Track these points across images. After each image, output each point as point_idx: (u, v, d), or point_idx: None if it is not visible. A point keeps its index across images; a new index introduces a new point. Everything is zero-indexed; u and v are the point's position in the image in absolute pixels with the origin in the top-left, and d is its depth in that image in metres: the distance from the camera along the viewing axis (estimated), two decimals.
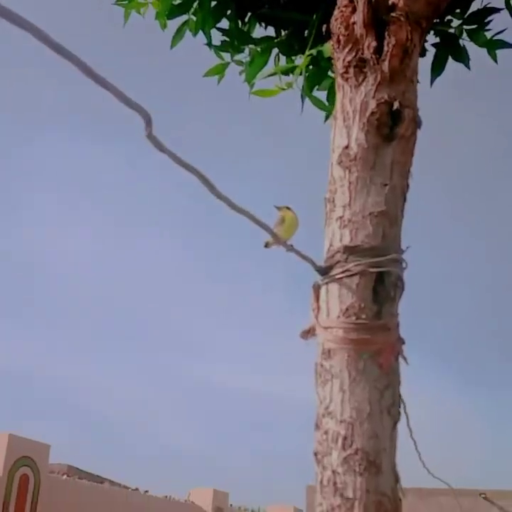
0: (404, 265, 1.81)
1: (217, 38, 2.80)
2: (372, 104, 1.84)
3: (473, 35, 2.53)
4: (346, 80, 1.90)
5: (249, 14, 2.73)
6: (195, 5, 2.68)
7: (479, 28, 2.53)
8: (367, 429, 1.63)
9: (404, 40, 1.86)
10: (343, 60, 1.90)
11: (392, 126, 1.85)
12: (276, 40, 2.63)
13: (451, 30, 2.54)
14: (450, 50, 2.51)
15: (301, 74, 2.32)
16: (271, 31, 2.73)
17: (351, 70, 1.88)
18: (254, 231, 1.66)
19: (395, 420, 1.70)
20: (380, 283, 1.76)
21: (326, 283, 1.80)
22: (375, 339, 1.72)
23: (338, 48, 1.91)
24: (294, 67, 2.34)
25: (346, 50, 1.89)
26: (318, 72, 2.48)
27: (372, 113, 1.83)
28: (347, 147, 1.85)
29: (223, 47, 2.76)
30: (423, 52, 2.47)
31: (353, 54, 1.88)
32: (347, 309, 1.75)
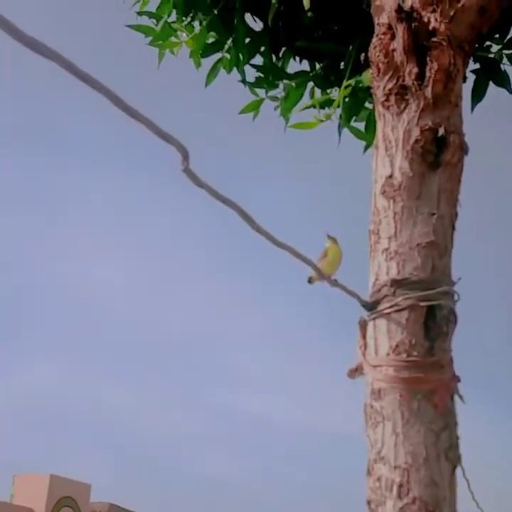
0: (456, 298, 1.71)
1: (251, 74, 2.78)
2: (416, 132, 1.77)
3: None
4: (387, 108, 1.83)
5: (283, 49, 2.71)
6: (229, 42, 2.67)
7: None
8: (424, 475, 1.52)
9: (447, 64, 1.79)
10: (384, 88, 1.84)
11: (438, 154, 1.78)
12: (311, 74, 2.60)
13: (491, 55, 2.48)
14: (490, 75, 2.44)
15: (339, 106, 2.27)
16: (306, 65, 2.70)
17: (392, 98, 1.82)
18: (296, 265, 1.59)
19: (453, 465, 1.58)
20: (431, 317, 1.67)
21: (373, 318, 1.71)
22: (428, 377, 1.61)
23: (378, 76, 1.86)
24: (331, 100, 2.29)
25: (386, 77, 1.83)
26: (356, 103, 2.43)
27: (417, 140, 1.76)
28: (390, 176, 1.78)
29: (258, 83, 2.73)
30: (463, 79, 2.41)
31: (394, 81, 1.82)
32: (397, 346, 1.65)
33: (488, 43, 2.55)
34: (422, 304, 1.66)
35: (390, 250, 1.73)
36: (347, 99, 2.52)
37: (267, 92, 2.68)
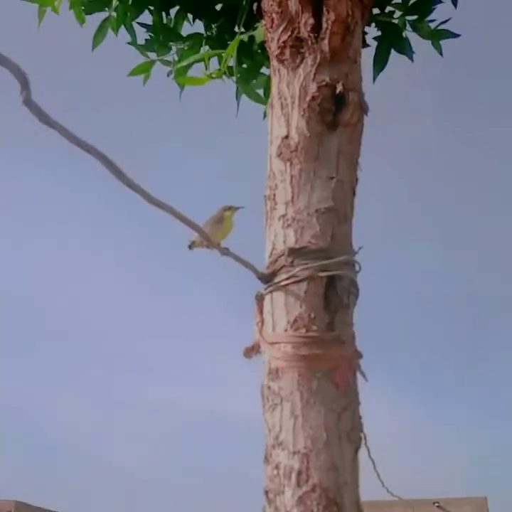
0: (357, 268, 1.59)
1: (142, 36, 2.56)
2: (313, 88, 1.63)
3: (416, 26, 2.36)
4: (282, 62, 1.68)
5: (176, 9, 2.50)
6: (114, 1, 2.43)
7: (422, 18, 2.36)
8: (324, 460, 1.39)
9: (345, 15, 1.66)
10: (278, 40, 1.68)
11: (336, 113, 1.64)
12: (205, 35, 2.41)
13: (394, 21, 2.37)
14: (392, 41, 2.33)
15: (227, 64, 2.09)
16: (200, 27, 2.51)
17: (287, 51, 1.67)
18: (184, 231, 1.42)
19: (356, 447, 1.47)
20: (331, 289, 1.54)
21: (270, 292, 1.56)
22: (328, 354, 1.49)
23: (272, 27, 1.70)
24: (222, 55, 2.11)
25: (281, 29, 1.68)
26: (253, 67, 2.27)
27: (313, 97, 1.62)
28: (287, 137, 1.63)
29: (148, 45, 2.51)
30: (364, 43, 2.29)
31: (289, 33, 1.67)
32: (295, 321, 1.51)
33: (390, 8, 2.45)
34: (321, 274, 1.53)
35: (286, 217, 1.59)
36: (244, 65, 2.35)
37: (158, 55, 2.47)
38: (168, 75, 2.55)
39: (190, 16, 2.46)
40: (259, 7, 1.75)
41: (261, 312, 1.59)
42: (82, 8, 2.37)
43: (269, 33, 1.71)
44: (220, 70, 2.13)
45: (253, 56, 2.30)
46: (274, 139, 1.66)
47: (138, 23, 2.43)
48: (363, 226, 1.67)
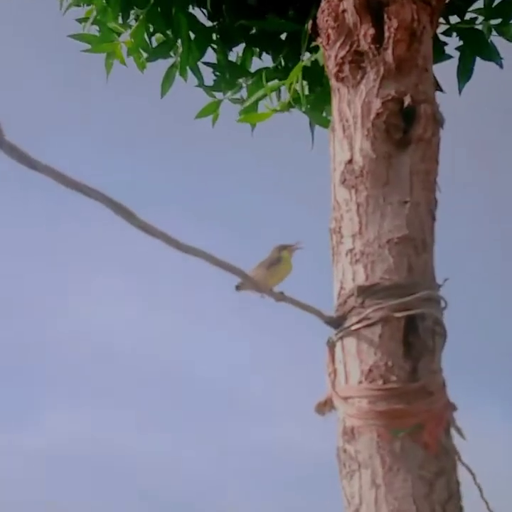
0: (443, 304, 1.36)
1: (208, 77, 2.47)
2: (377, 104, 1.44)
3: (502, 30, 2.12)
4: (342, 80, 1.51)
5: (242, 45, 2.40)
6: (178, 43, 2.37)
7: (507, 20, 2.12)
8: None
9: (410, 20, 1.47)
10: (335, 57, 1.51)
11: (406, 129, 1.44)
12: (271, 67, 2.28)
13: (477, 27, 2.14)
14: (476, 48, 2.10)
15: (293, 94, 1.94)
16: (270, 61, 2.39)
17: (346, 68, 1.50)
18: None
19: None
20: (411, 331, 1.31)
21: (341, 338, 1.35)
22: (412, 409, 1.25)
23: (328, 44, 1.54)
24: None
25: (338, 44, 1.51)
26: (323, 94, 2.11)
27: (378, 114, 1.43)
28: (350, 161, 1.44)
29: (215, 86, 2.42)
30: (445, 55, 2.07)
31: (347, 47, 1.50)
32: (370, 371, 1.29)
33: (471, 15, 2.23)
34: (399, 314, 1.31)
35: (354, 251, 1.38)
36: (313, 92, 2.20)
37: (224, 93, 2.37)
38: (240, 115, 2.43)
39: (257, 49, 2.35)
40: (314, 25, 1.60)
41: (333, 361, 1.38)
42: (145, 55, 2.32)
43: (326, 51, 1.54)
44: (284, 102, 1.99)
45: (322, 82, 2.15)
46: (337, 165, 1.47)
47: (203, 63, 2.34)
48: (448, 254, 1.43)
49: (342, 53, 1.51)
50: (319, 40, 1.58)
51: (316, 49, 2.03)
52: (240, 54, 2.41)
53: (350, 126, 1.47)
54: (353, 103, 1.47)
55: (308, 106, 2.07)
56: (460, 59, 2.19)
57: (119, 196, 0.86)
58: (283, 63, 2.28)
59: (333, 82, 1.54)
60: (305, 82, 2.22)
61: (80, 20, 2.38)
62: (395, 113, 1.43)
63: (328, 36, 1.54)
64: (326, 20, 1.54)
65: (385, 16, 1.48)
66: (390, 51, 1.46)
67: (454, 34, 2.21)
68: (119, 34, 2.29)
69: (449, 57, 2.18)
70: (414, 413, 1.25)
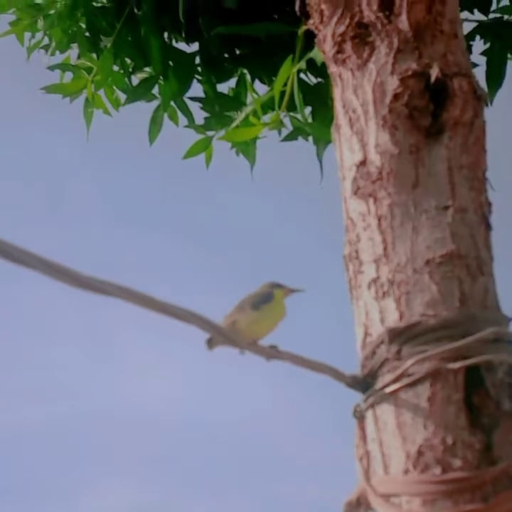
0: None
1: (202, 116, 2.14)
2: (393, 83, 1.07)
3: None
4: (343, 63, 1.14)
5: (234, 80, 2.08)
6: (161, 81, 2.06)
7: None
8: None
9: None
10: (333, 35, 1.16)
11: (437, 112, 1.06)
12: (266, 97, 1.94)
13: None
14: (507, 46, 1.75)
15: (284, 100, 1.58)
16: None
17: (347, 46, 1.14)
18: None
19: None
20: (475, 389, 0.88)
21: (371, 405, 0.93)
22: (496, 509, 0.81)
23: (322, 22, 1.18)
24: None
25: (335, 20, 1.16)
26: (330, 110, 1.76)
27: (396, 96, 1.06)
28: (364, 163, 1.06)
29: (207, 124, 2.08)
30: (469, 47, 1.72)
31: (347, 21, 1.14)
32: (420, 453, 0.86)
33: (494, 15, 1.89)
34: (454, 365, 0.88)
35: (380, 281, 0.98)
36: (318, 118, 1.85)
37: (217, 130, 2.02)
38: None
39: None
40: (302, 4, 1.25)
41: (364, 440, 0.95)
42: (115, 97, 2.01)
43: (320, 32, 1.19)
44: (276, 116, 1.63)
45: (327, 103, 1.80)
46: (347, 171, 1.09)
47: (189, 98, 2.01)
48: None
49: (341, 29, 1.15)
50: (310, 22, 1.23)
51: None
52: (233, 87, 2.09)
53: (359, 118, 1.09)
54: (361, 88, 1.10)
55: (310, 122, 1.71)
56: (488, 63, 1.83)
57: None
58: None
59: (331, 68, 1.18)
60: (308, 109, 1.89)
61: (52, 68, 2.08)
62: (420, 92, 1.06)
63: (322, 13, 1.19)
64: None
65: None
66: (404, 17, 1.10)
67: (478, 38, 1.87)
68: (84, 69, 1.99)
69: (475, 65, 1.82)
70: None
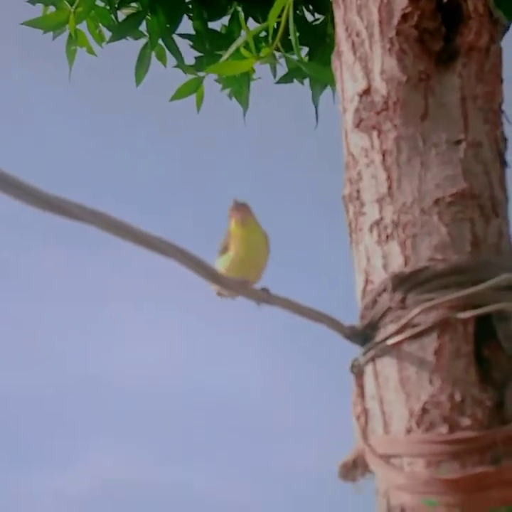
0: None
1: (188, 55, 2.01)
2: (402, 2, 0.95)
3: None
4: None
5: (227, 18, 1.95)
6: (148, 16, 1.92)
7: None
8: None
9: None
10: None
11: (450, 36, 0.95)
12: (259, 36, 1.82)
13: None
14: None
15: (278, 33, 1.45)
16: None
17: None
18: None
19: None
20: (487, 340, 0.80)
21: (372, 359, 0.85)
22: (504, 475, 0.73)
23: None
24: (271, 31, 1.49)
25: None
26: (326, 52, 1.64)
27: (404, 17, 0.94)
28: (367, 92, 0.95)
29: (199, 64, 1.95)
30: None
31: None
32: (424, 411, 0.78)
33: None
34: (464, 314, 0.80)
35: (384, 223, 0.88)
36: (314, 57, 1.73)
37: (207, 70, 1.89)
38: (227, 94, 1.96)
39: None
40: None
41: (362, 397, 0.87)
42: (99, 32, 1.88)
43: None
44: (268, 48, 1.51)
45: (324, 41, 1.68)
46: (348, 102, 0.98)
47: (178, 34, 1.89)
48: None
49: None
50: None
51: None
52: (226, 24, 1.96)
53: (363, 42, 0.98)
54: (366, 8, 0.99)
55: (306, 57, 1.60)
56: None
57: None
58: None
59: None
60: (305, 50, 1.77)
61: (33, 2, 1.94)
62: (431, 13, 0.95)
63: None
64: None
65: None
66: None
67: None
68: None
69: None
70: (510, 480, 0.73)
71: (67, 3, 1.83)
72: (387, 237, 0.88)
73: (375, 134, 0.93)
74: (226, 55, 1.55)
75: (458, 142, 0.89)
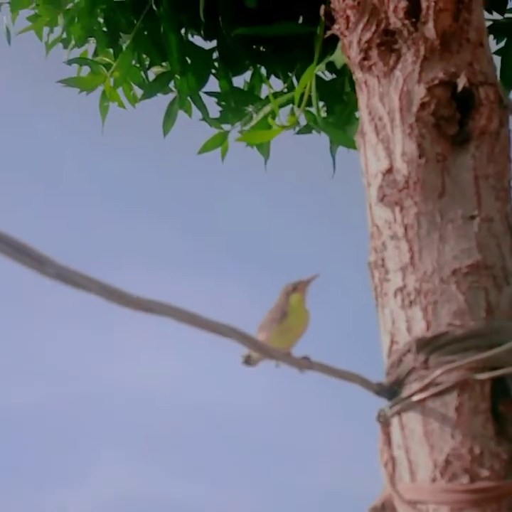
0: None
1: (217, 110, 2.14)
2: (420, 92, 1.07)
3: None
4: (369, 70, 1.15)
5: (249, 73, 2.08)
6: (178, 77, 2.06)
7: None
8: None
9: None
10: (359, 42, 1.16)
11: (464, 121, 1.07)
12: (281, 91, 1.95)
13: None
14: None
15: (303, 103, 1.58)
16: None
17: (374, 53, 1.14)
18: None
19: None
20: (501, 399, 0.90)
21: (398, 413, 0.95)
22: None
23: (348, 28, 1.19)
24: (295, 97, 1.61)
25: (361, 26, 1.16)
26: (345, 110, 1.76)
27: (423, 105, 1.06)
28: (390, 171, 1.07)
29: (223, 117, 2.08)
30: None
31: (373, 28, 1.15)
32: (448, 462, 0.88)
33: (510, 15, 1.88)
34: (481, 376, 0.90)
35: (407, 290, 0.99)
36: (332, 113, 1.86)
37: (232, 124, 2.03)
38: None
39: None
40: (326, 8, 1.26)
41: (388, 445, 0.97)
42: (132, 92, 2.01)
43: (346, 38, 1.20)
44: (294, 115, 1.63)
45: (342, 99, 1.80)
46: (372, 178, 1.10)
47: (205, 92, 2.02)
48: None
49: (367, 36, 1.15)
50: (336, 27, 1.24)
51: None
52: (248, 80, 2.10)
53: (385, 126, 1.10)
54: (388, 96, 1.11)
55: (327, 122, 1.72)
56: (502, 62, 1.83)
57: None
58: (295, 84, 1.95)
59: (357, 74, 1.18)
60: (322, 103, 1.89)
61: (70, 62, 2.08)
62: (446, 101, 1.07)
63: (347, 19, 1.19)
64: (343, 0, 1.20)
65: None
66: (430, 25, 1.10)
67: (491, 37, 1.86)
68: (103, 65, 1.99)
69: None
70: None
71: (103, 68, 1.97)
72: (411, 302, 0.98)
73: (397, 209, 1.04)
74: (253, 122, 1.67)
75: (472, 217, 1.00)
